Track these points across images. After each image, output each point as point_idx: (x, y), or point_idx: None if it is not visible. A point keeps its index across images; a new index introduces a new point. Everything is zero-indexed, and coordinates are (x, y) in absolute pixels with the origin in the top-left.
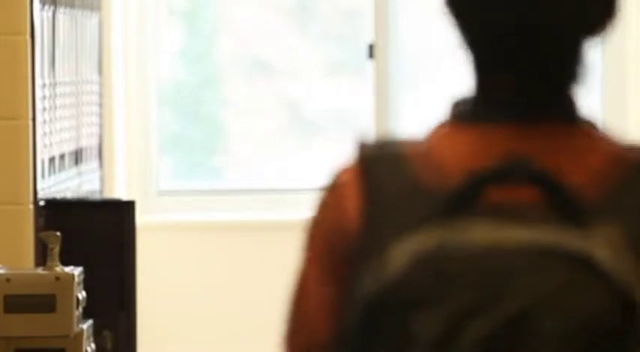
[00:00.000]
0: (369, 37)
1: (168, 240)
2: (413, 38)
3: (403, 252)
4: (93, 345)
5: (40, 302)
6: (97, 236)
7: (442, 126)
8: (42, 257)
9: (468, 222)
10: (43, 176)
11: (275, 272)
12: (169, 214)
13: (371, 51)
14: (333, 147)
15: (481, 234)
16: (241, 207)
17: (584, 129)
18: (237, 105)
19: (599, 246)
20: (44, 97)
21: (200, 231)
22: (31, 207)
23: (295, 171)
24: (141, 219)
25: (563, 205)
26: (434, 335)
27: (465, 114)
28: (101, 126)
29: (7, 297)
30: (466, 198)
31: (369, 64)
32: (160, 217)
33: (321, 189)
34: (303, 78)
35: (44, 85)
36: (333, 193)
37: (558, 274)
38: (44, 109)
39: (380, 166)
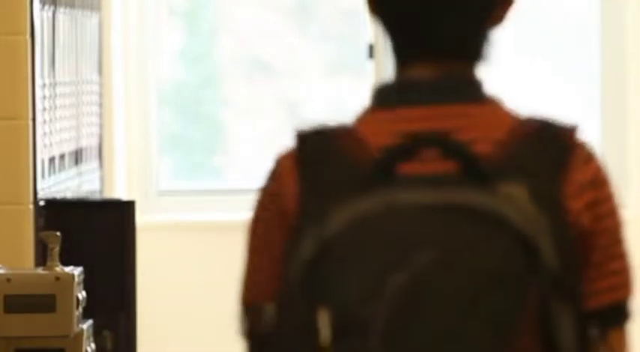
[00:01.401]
0: (369, 37)
1: (168, 240)
2: None
3: (336, 218)
4: (93, 345)
5: (40, 302)
6: (97, 236)
7: (366, 110)
8: (42, 257)
9: (388, 190)
10: (43, 176)
11: None
12: (169, 214)
13: (371, 51)
14: None
15: (402, 198)
16: (241, 207)
17: (490, 106)
18: (237, 105)
19: (504, 202)
20: (44, 97)
21: (200, 231)
22: (31, 207)
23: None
24: (141, 219)
25: (471, 170)
26: (362, 290)
27: (385, 98)
28: (101, 126)
29: (7, 297)
30: (384, 170)
31: (369, 64)
32: (160, 217)
33: (265, 176)
34: (303, 78)
35: (44, 85)
36: (272, 177)
37: (468, 227)
38: (44, 109)
39: (312, 149)
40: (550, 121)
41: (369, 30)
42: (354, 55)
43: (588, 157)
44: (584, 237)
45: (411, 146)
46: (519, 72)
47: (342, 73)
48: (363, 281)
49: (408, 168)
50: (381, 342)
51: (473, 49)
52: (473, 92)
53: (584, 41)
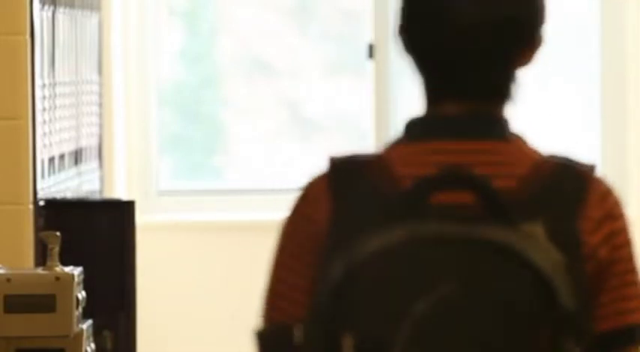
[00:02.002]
0: (369, 37)
1: (169, 240)
2: None
3: (365, 246)
4: (93, 345)
5: (40, 302)
6: (97, 236)
7: (397, 142)
8: (42, 257)
9: (418, 221)
10: (43, 176)
11: None
12: (169, 214)
13: (371, 51)
14: (333, 147)
15: (426, 232)
16: (241, 207)
17: (514, 144)
18: (237, 105)
19: (525, 240)
20: (44, 97)
21: (200, 231)
22: (31, 207)
23: (295, 171)
24: (141, 219)
25: (493, 206)
26: (385, 317)
27: (415, 131)
28: (101, 126)
29: (7, 297)
30: (415, 201)
31: (369, 64)
32: (160, 217)
33: (295, 196)
34: (303, 78)
35: (44, 85)
36: (305, 199)
37: (490, 262)
38: (44, 109)
39: (345, 176)
40: (569, 160)
41: (369, 30)
42: (354, 55)
43: (605, 194)
44: (601, 267)
45: (441, 179)
46: (520, 70)
47: (342, 73)
48: (386, 308)
49: (435, 199)
50: None
51: (502, 90)
52: (499, 130)
53: (584, 41)
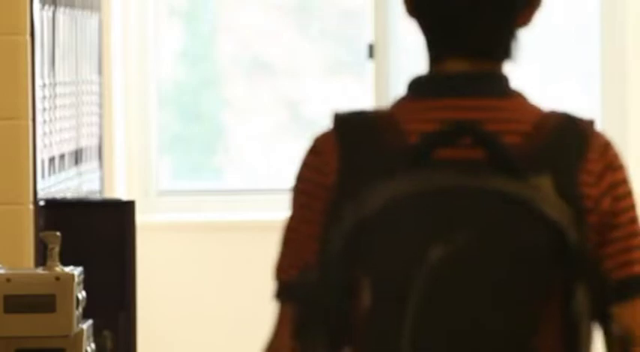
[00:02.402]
0: (369, 37)
1: (168, 240)
2: (413, 38)
3: (377, 196)
4: (93, 345)
5: (40, 302)
6: (97, 236)
7: (402, 99)
8: (42, 257)
9: (425, 172)
10: (43, 176)
11: None
12: (169, 214)
13: (371, 51)
14: None
15: (438, 180)
16: (241, 207)
17: (516, 100)
18: (237, 105)
19: (534, 191)
20: (44, 97)
21: (200, 231)
22: (31, 207)
23: (295, 171)
24: (141, 219)
25: (503, 160)
26: (402, 260)
27: (420, 89)
28: (101, 126)
29: (7, 297)
30: (421, 155)
31: (369, 64)
32: (160, 217)
33: (305, 151)
34: (303, 78)
35: (44, 85)
36: (313, 154)
37: (502, 211)
38: (44, 109)
39: (351, 130)
40: (570, 115)
41: (369, 30)
42: (354, 55)
43: (605, 147)
44: (605, 218)
45: (449, 134)
46: (519, 71)
47: (342, 73)
48: (403, 252)
49: (442, 154)
50: (416, 309)
51: (503, 48)
52: (502, 87)
53: (584, 40)
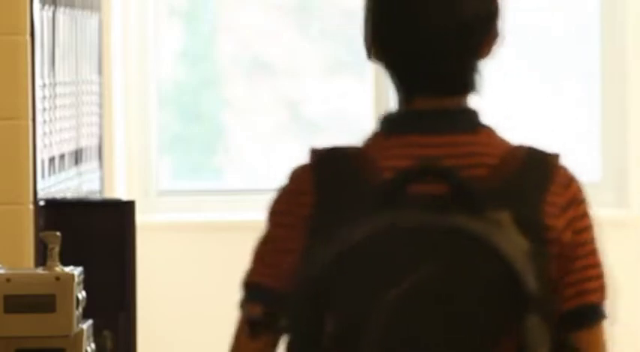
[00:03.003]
0: None
1: (168, 240)
2: None
3: (346, 233)
4: (93, 345)
5: (40, 302)
6: (97, 236)
7: (374, 135)
8: (42, 257)
9: (395, 211)
10: (43, 176)
11: None
12: (169, 214)
13: None
14: None
15: (403, 222)
16: (241, 207)
17: (484, 134)
18: (237, 105)
19: (491, 227)
20: (44, 97)
21: (200, 231)
22: (31, 207)
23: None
24: (141, 219)
25: (463, 196)
26: (364, 300)
27: (391, 126)
28: (101, 126)
29: (7, 297)
30: (393, 192)
31: (369, 64)
32: (160, 217)
33: (282, 180)
34: (303, 78)
35: (44, 85)
36: (291, 181)
37: (462, 249)
38: (44, 109)
39: (327, 164)
40: (536, 149)
41: None
42: (354, 55)
43: (568, 181)
44: (565, 249)
45: (414, 172)
46: (519, 72)
47: (342, 73)
48: (364, 294)
49: (412, 190)
50: (376, 343)
51: (468, 83)
52: (469, 122)
53: (584, 40)
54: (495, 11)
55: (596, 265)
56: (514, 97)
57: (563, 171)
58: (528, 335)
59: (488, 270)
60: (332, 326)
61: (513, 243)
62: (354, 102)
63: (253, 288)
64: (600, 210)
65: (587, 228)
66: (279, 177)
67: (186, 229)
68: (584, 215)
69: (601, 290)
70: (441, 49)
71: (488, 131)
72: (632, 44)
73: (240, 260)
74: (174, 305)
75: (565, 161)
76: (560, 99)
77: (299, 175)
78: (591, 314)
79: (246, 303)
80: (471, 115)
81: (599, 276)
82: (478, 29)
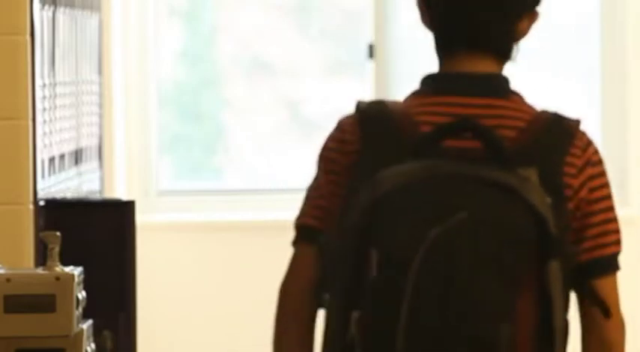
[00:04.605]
0: (369, 37)
1: (169, 240)
2: (413, 38)
3: (389, 178)
4: (93, 345)
5: (40, 302)
6: (97, 236)
7: (415, 94)
8: (42, 257)
9: (433, 160)
10: (43, 176)
11: (274, 272)
12: (169, 214)
13: (371, 51)
14: None
15: (442, 168)
16: (241, 207)
17: (514, 100)
18: (237, 105)
19: (521, 181)
20: (44, 97)
21: (200, 231)
22: (31, 207)
23: (295, 171)
24: (141, 219)
25: (497, 152)
26: (405, 238)
27: (431, 86)
28: (101, 126)
29: (7, 297)
30: (431, 143)
31: (369, 64)
32: (160, 217)
33: (330, 130)
34: (303, 78)
35: (44, 85)
36: (338, 130)
37: (493, 198)
38: (44, 109)
39: (372, 116)
40: (558, 115)
41: (369, 30)
42: (354, 55)
43: (586, 144)
44: (582, 205)
45: (453, 127)
46: (520, 70)
47: (342, 73)
48: (406, 232)
49: (447, 144)
50: (416, 278)
51: (505, 50)
52: (502, 88)
53: (584, 40)
54: None
55: (612, 219)
56: None
57: (582, 135)
58: (548, 277)
59: (518, 218)
60: (375, 261)
61: (539, 196)
62: (354, 102)
63: (304, 230)
64: None
65: (603, 186)
66: (279, 177)
67: (186, 229)
68: (600, 174)
69: (618, 242)
70: (486, 13)
71: (518, 97)
72: (632, 44)
73: (240, 260)
74: (174, 305)
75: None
76: (560, 98)
77: (346, 125)
78: (609, 264)
79: (297, 244)
80: (504, 81)
81: (616, 231)
82: (520, 4)
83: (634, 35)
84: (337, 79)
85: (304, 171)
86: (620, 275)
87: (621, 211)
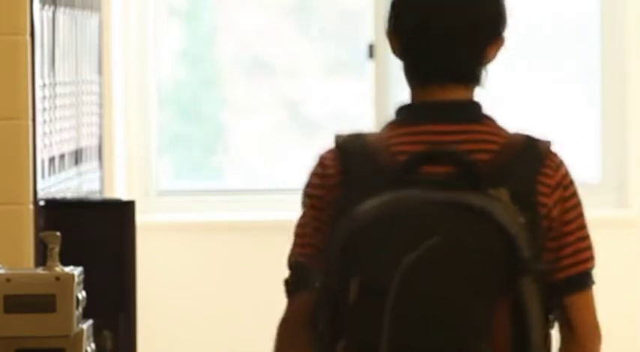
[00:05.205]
0: (369, 37)
1: (168, 240)
2: None
3: (364, 211)
4: (93, 345)
5: (40, 302)
6: (97, 236)
7: (391, 124)
8: (42, 257)
9: (407, 190)
10: (43, 176)
11: (274, 272)
12: (169, 214)
13: (371, 51)
14: None
15: (415, 196)
16: (241, 207)
17: (487, 125)
18: (237, 105)
19: (493, 202)
20: (44, 97)
21: (200, 231)
22: (31, 207)
23: (295, 171)
24: (141, 219)
25: (469, 175)
26: (383, 265)
27: (405, 116)
28: (101, 126)
29: (7, 297)
30: (407, 172)
31: (369, 64)
32: (160, 217)
33: (312, 163)
34: (303, 78)
35: (44, 85)
36: (320, 166)
37: (465, 220)
38: (44, 109)
39: (351, 150)
40: (531, 137)
41: (369, 30)
42: (354, 55)
43: (558, 165)
44: (555, 224)
45: (428, 154)
46: (520, 71)
47: (342, 73)
48: (383, 259)
49: (424, 170)
50: (394, 301)
51: (474, 74)
52: (475, 114)
53: (584, 40)
54: (503, 18)
55: (586, 237)
56: (514, 97)
57: (554, 156)
58: (522, 294)
59: (490, 238)
60: (356, 290)
61: (510, 216)
62: (354, 102)
63: (297, 269)
64: (600, 210)
65: (576, 206)
66: (279, 177)
67: (186, 229)
68: (573, 195)
69: (592, 258)
70: (453, 43)
71: (491, 121)
72: (632, 44)
73: (240, 260)
74: (174, 305)
75: (556, 148)
76: (560, 99)
77: (327, 160)
78: (584, 280)
79: (292, 285)
80: (476, 107)
81: (589, 247)
82: (488, 31)
83: (634, 35)
84: (337, 79)
85: (304, 171)
86: (620, 276)
87: (621, 212)
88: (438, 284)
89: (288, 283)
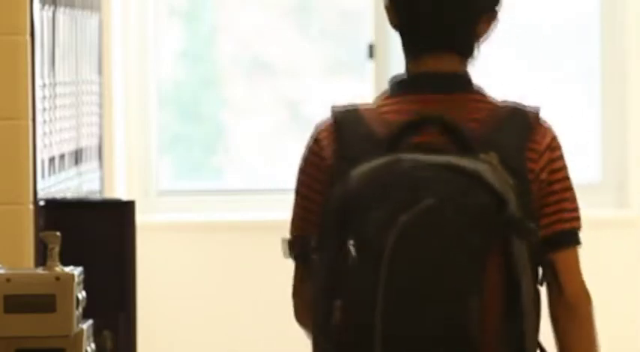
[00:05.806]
0: (369, 37)
1: (169, 240)
2: None
3: (358, 173)
4: (93, 345)
5: (40, 302)
6: (97, 236)
7: (385, 94)
8: (42, 257)
9: (399, 153)
10: (43, 176)
11: (274, 272)
12: (169, 214)
13: (371, 51)
14: None
15: (408, 159)
16: (241, 207)
17: (475, 95)
18: (237, 105)
19: (483, 165)
20: (44, 97)
21: (200, 231)
22: (31, 207)
23: (295, 171)
24: (141, 219)
25: (460, 141)
26: (378, 226)
27: (399, 87)
28: (101, 126)
29: (7, 297)
30: (400, 138)
31: (369, 64)
32: (160, 217)
33: (308, 138)
34: (303, 78)
35: (44, 85)
36: (315, 140)
37: (457, 182)
38: (44, 109)
39: (346, 121)
40: (519, 104)
41: (369, 30)
42: (354, 55)
43: (546, 131)
44: (543, 185)
45: (418, 122)
46: (520, 70)
47: (342, 73)
48: (378, 220)
49: (417, 138)
50: (388, 261)
51: (467, 48)
52: (465, 84)
53: (584, 40)
54: None
55: (570, 199)
56: (514, 97)
57: (542, 122)
58: (511, 253)
59: (480, 200)
60: (352, 250)
61: (500, 177)
62: (353, 102)
63: (296, 242)
64: (600, 210)
65: (562, 169)
66: (279, 177)
67: (186, 229)
68: (559, 158)
69: (576, 219)
70: (441, 7)
71: (479, 92)
72: (632, 44)
73: (240, 260)
74: (174, 305)
75: (544, 116)
76: (560, 99)
77: (322, 130)
78: (567, 239)
79: (293, 258)
80: (465, 78)
81: (575, 209)
82: (481, 5)
83: (634, 35)
84: (337, 79)
85: None
86: (620, 276)
87: (621, 212)
88: (431, 243)
89: (290, 245)
